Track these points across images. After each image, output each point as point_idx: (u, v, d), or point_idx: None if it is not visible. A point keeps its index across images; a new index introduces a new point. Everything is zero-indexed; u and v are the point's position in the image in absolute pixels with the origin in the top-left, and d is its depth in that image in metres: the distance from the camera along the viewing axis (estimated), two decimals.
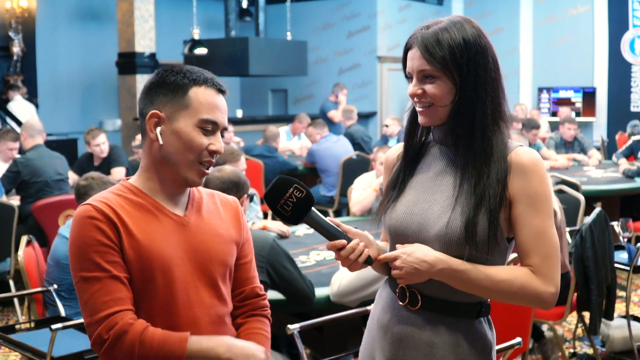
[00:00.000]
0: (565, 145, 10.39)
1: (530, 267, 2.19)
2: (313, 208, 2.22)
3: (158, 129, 2.22)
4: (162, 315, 2.20)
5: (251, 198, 5.25)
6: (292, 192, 2.18)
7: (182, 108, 2.21)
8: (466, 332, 2.26)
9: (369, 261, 2.25)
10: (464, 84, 2.19)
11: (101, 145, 8.08)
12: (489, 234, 2.16)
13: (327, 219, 2.25)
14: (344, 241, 2.22)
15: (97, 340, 2.11)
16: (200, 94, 2.22)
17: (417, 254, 2.18)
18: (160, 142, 2.21)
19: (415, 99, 2.26)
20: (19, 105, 12.79)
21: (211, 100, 2.23)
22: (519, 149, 2.22)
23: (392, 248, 2.33)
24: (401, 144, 2.45)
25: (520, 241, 2.20)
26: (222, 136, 2.28)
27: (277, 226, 5.53)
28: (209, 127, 2.22)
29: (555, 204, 4.90)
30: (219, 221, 2.38)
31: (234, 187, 3.99)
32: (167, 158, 2.22)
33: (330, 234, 2.23)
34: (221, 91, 2.28)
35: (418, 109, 2.27)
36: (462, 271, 2.16)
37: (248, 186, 4.16)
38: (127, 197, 2.24)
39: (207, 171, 2.26)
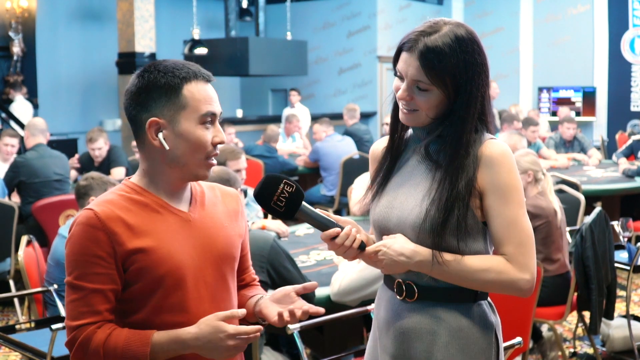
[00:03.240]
0: (565, 145, 10.39)
1: (504, 256, 2.24)
2: (303, 202, 2.25)
3: (160, 135, 2.19)
4: (172, 313, 2.20)
5: (245, 193, 5.27)
6: (283, 188, 2.22)
7: (181, 108, 2.18)
8: (466, 316, 2.30)
9: (362, 246, 2.29)
10: (458, 102, 2.23)
11: (96, 150, 8.07)
12: (457, 224, 2.21)
13: (317, 211, 2.28)
14: (337, 229, 2.26)
15: (68, 344, 2.17)
16: (194, 90, 2.19)
17: (396, 246, 2.24)
18: (167, 147, 2.19)
19: (402, 100, 2.29)
20: (20, 105, 12.81)
21: (205, 93, 2.21)
22: (489, 142, 2.26)
23: (379, 240, 2.38)
24: (386, 138, 2.49)
25: (494, 231, 2.25)
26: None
27: (277, 226, 5.52)
28: (209, 119, 2.20)
29: (556, 203, 4.90)
30: (222, 215, 2.38)
31: (226, 184, 4.01)
32: (175, 161, 2.21)
33: (322, 224, 2.28)
34: (209, 80, 2.26)
35: (402, 109, 2.31)
36: (439, 262, 2.21)
37: (238, 181, 4.19)
38: (131, 197, 2.23)
39: (214, 163, 2.26)
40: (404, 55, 2.25)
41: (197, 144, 2.19)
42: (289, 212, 2.24)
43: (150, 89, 2.19)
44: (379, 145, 2.52)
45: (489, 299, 2.39)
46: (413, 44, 2.22)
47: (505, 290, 2.26)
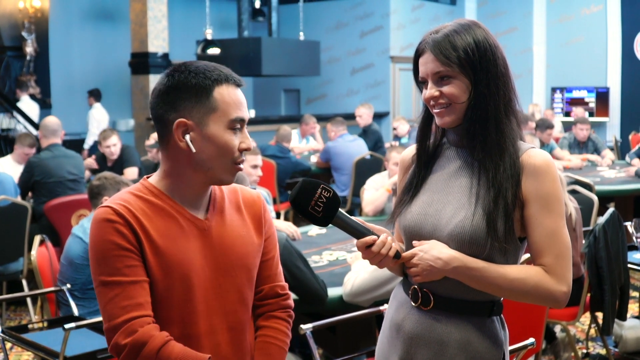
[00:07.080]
0: (579, 146, 10.35)
1: (543, 267, 2.22)
2: (339, 207, 2.22)
3: (187, 137, 2.14)
4: (179, 323, 2.16)
5: None
6: (321, 193, 2.17)
7: (210, 111, 2.13)
8: (477, 330, 2.28)
9: (397, 255, 2.25)
10: (477, 81, 2.22)
11: (111, 147, 8.09)
12: (505, 226, 2.18)
13: (353, 218, 2.25)
14: (374, 237, 2.23)
15: (115, 346, 2.08)
16: (224, 94, 2.15)
17: (433, 251, 2.21)
18: (193, 150, 2.13)
19: (432, 102, 2.28)
20: (25, 104, 12.85)
21: (235, 98, 2.17)
22: (530, 150, 2.25)
23: (408, 249, 2.34)
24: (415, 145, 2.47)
25: (533, 241, 2.23)
26: None
27: (286, 226, 5.52)
28: (238, 125, 2.17)
29: (570, 204, 4.88)
30: (241, 222, 2.32)
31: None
32: (200, 164, 2.16)
33: (358, 231, 2.24)
34: (239, 85, 2.22)
35: (436, 110, 2.29)
36: (477, 269, 2.19)
37: (246, 180, 4.19)
38: (147, 199, 2.17)
39: (240, 168, 2.22)
40: (420, 61, 2.30)
41: (225, 149, 2.15)
42: (326, 218, 2.19)
43: (180, 88, 2.14)
44: (410, 152, 2.50)
45: (501, 314, 2.37)
46: (424, 45, 2.28)
47: (541, 301, 2.25)
